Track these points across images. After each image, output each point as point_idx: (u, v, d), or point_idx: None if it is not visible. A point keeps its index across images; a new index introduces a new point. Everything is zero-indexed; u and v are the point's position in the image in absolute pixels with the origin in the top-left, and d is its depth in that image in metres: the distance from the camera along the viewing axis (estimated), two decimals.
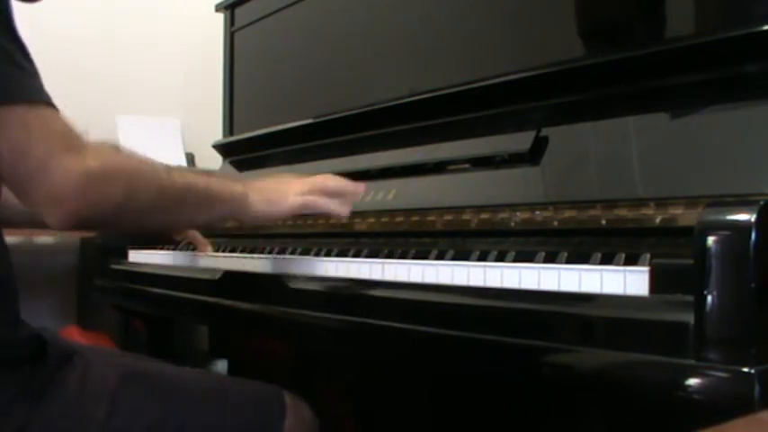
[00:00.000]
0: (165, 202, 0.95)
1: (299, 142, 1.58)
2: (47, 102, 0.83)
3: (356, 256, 1.08)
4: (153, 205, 0.93)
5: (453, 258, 0.95)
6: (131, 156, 0.92)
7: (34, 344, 0.90)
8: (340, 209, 1.09)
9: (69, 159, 0.81)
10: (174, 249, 1.55)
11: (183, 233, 1.43)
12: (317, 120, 1.50)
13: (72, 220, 0.83)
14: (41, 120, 0.82)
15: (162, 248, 1.58)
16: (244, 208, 1.04)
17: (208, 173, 1.04)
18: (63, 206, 0.82)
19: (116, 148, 0.92)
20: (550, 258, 0.85)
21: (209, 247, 1.40)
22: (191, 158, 2.29)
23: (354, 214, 1.16)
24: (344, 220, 1.24)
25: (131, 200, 0.89)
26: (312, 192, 1.08)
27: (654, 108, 0.95)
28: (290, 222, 1.35)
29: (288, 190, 1.08)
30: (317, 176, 1.11)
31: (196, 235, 1.40)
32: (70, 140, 0.83)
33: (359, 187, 1.12)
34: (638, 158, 0.93)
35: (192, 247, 1.48)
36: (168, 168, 0.97)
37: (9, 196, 0.90)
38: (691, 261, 0.65)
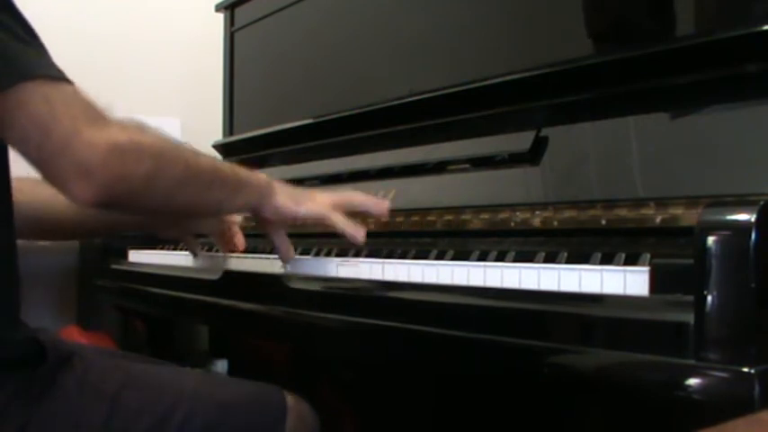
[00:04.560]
0: (193, 179, 0.93)
1: (299, 142, 1.58)
2: (65, 78, 0.83)
3: (356, 256, 1.08)
4: (181, 182, 0.91)
5: (453, 258, 0.95)
6: (158, 132, 0.91)
7: (34, 345, 0.90)
8: (356, 233, 1.05)
9: (94, 132, 0.80)
10: (174, 249, 1.55)
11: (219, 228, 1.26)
12: (317, 120, 1.50)
13: (101, 193, 0.81)
14: (63, 94, 0.81)
15: (162, 248, 1.58)
16: (268, 197, 1.03)
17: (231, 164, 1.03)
18: (90, 179, 0.80)
19: (141, 126, 0.90)
20: (550, 258, 0.85)
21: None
22: None
23: (354, 214, 1.15)
24: None
25: (159, 174, 0.87)
26: (337, 206, 1.06)
27: (654, 108, 0.95)
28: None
29: (313, 197, 1.07)
30: (344, 192, 1.11)
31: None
32: (94, 114, 0.82)
33: (382, 205, 1.09)
34: (638, 158, 0.93)
35: None
36: (194, 150, 0.96)
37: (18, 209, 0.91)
38: (691, 261, 0.65)
